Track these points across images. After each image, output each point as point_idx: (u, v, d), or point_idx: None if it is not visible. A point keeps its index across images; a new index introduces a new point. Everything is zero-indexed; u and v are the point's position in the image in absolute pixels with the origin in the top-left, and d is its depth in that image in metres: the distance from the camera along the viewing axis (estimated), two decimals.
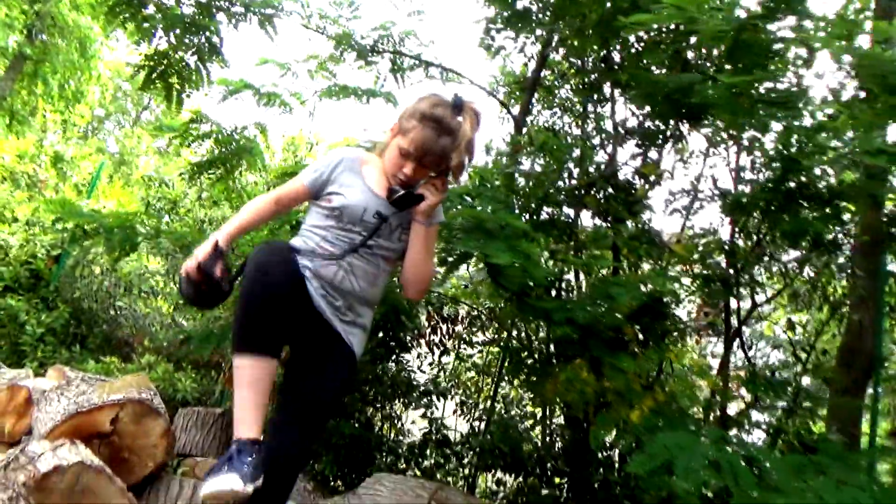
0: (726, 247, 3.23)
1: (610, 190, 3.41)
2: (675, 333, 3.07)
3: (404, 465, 4.22)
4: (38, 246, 6.16)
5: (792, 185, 2.54)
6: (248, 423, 1.66)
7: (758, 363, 4.45)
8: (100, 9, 3.16)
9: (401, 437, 4.40)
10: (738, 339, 3.86)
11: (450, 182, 1.96)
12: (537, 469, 4.02)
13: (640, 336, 2.86)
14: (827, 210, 2.60)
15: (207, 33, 3.16)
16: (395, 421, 4.46)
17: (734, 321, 3.71)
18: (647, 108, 3.51)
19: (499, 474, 4.23)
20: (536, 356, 3.32)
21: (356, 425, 4.03)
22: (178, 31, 3.15)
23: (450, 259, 2.52)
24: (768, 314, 4.92)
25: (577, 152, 3.77)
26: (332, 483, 3.95)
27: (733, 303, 3.72)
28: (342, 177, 1.95)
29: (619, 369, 2.55)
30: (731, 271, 3.57)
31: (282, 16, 3.38)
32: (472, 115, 1.89)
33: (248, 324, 1.70)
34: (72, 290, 6.02)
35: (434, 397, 4.48)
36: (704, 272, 3.48)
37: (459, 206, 2.89)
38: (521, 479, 4.09)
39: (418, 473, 4.16)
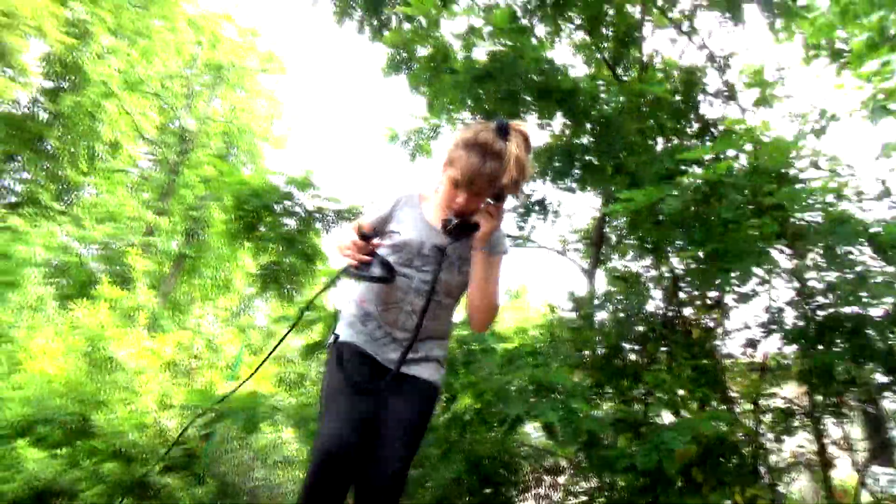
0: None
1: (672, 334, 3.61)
2: (750, 472, 3.08)
3: None
4: (190, 427, 7.03)
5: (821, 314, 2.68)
6: None
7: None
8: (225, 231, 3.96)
9: None
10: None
11: (504, 207, 1.96)
12: None
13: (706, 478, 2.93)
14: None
15: (308, 242, 3.90)
16: None
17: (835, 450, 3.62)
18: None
19: None
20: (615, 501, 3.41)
21: None
22: (285, 242, 3.92)
23: (505, 421, 2.81)
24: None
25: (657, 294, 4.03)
26: None
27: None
28: (401, 213, 2.01)
29: None
30: (811, 403, 3.55)
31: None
32: (518, 136, 1.87)
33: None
34: (218, 465, 6.74)
35: None
36: (783, 406, 3.50)
37: (523, 365, 3.23)
38: None
39: None
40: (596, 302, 4.19)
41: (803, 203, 2.00)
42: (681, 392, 3.50)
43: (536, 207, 3.74)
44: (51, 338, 9.02)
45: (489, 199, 1.92)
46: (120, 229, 14.24)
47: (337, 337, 2.02)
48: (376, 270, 1.86)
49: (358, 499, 1.83)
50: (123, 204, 15.27)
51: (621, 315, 4.02)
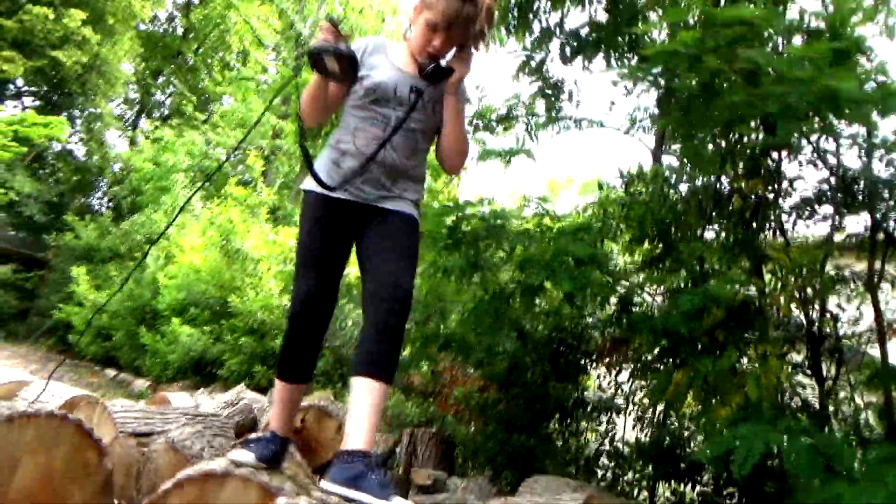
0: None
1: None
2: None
3: (582, 477, 4.67)
4: None
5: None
6: (279, 422, 2.03)
7: None
8: None
9: (580, 451, 4.85)
10: None
11: (473, 52, 1.99)
12: (709, 478, 4.15)
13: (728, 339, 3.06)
14: None
15: None
16: (576, 436, 4.94)
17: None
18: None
19: (674, 485, 4.42)
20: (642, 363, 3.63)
21: (531, 439, 4.63)
22: None
23: (526, 290, 3.06)
24: None
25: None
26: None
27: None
28: (370, 59, 2.01)
29: (697, 370, 2.83)
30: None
31: None
32: None
33: (288, 358, 2.01)
34: (334, 339, 7.63)
35: (612, 413, 4.87)
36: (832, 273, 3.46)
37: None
38: (695, 487, 4.26)
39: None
40: (641, 182, 4.22)
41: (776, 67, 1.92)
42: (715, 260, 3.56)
43: (550, 91, 3.73)
44: (196, 234, 10.30)
45: (459, 44, 1.94)
46: (250, 134, 15.36)
47: (310, 188, 2.02)
48: (338, 48, 1.83)
49: (379, 316, 1.83)
50: (252, 110, 16.38)
51: (673, 190, 4.05)
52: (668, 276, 3.44)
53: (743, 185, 3.71)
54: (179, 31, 23.57)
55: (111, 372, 10.12)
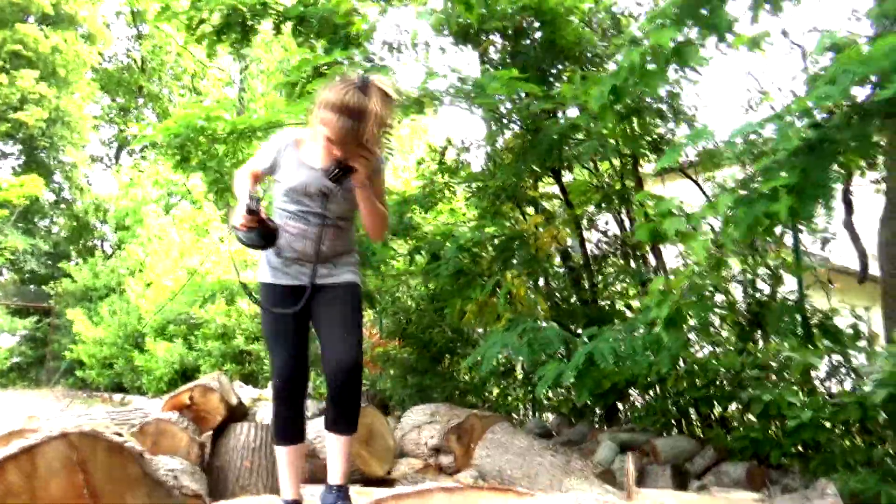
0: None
1: None
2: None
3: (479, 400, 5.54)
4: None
5: None
6: (289, 489, 2.27)
7: None
8: None
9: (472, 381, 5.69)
10: None
11: (377, 148, 2.20)
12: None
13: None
14: None
15: None
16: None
17: None
18: None
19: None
20: None
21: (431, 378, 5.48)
22: None
23: None
24: None
25: None
26: None
27: None
28: (284, 159, 2.25)
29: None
30: None
31: None
32: (377, 92, 2.09)
33: (281, 424, 2.27)
34: None
35: None
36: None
37: None
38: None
39: None
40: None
41: None
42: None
43: None
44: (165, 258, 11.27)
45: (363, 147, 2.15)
46: None
47: (262, 282, 2.34)
48: (255, 238, 2.12)
49: (331, 386, 2.21)
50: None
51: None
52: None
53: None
54: (134, 65, 24.23)
55: (119, 396, 11.18)
